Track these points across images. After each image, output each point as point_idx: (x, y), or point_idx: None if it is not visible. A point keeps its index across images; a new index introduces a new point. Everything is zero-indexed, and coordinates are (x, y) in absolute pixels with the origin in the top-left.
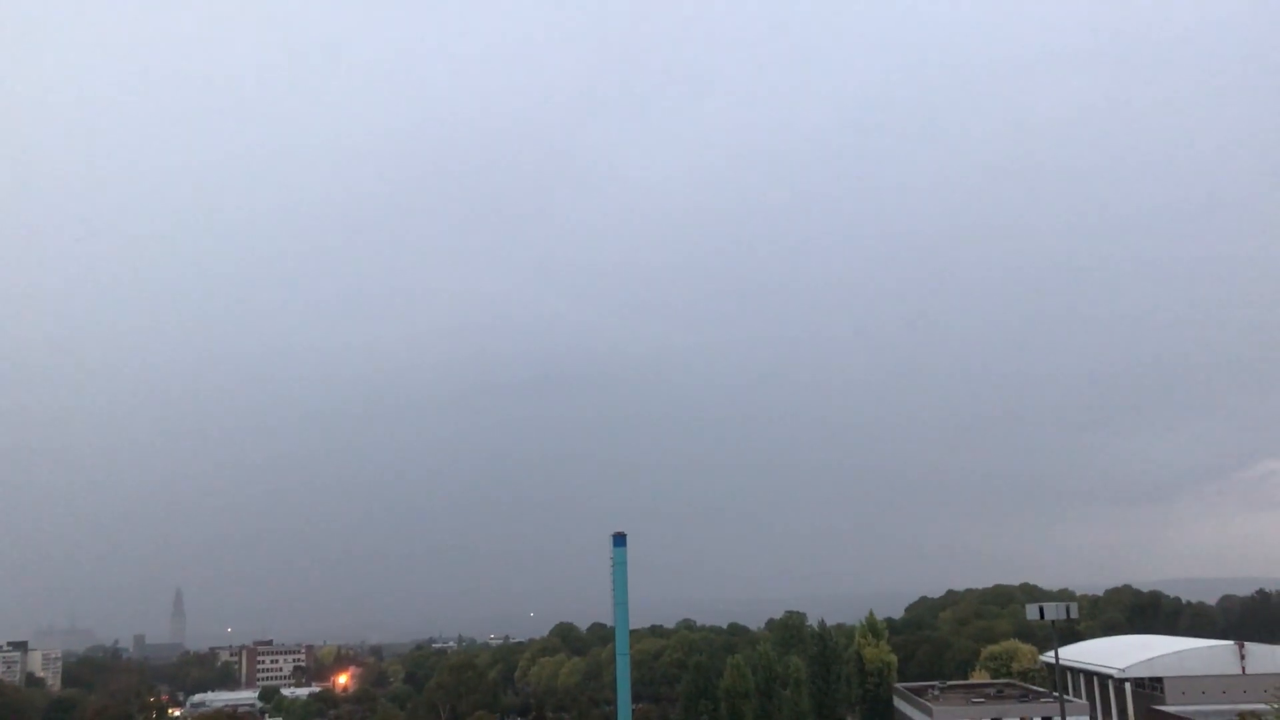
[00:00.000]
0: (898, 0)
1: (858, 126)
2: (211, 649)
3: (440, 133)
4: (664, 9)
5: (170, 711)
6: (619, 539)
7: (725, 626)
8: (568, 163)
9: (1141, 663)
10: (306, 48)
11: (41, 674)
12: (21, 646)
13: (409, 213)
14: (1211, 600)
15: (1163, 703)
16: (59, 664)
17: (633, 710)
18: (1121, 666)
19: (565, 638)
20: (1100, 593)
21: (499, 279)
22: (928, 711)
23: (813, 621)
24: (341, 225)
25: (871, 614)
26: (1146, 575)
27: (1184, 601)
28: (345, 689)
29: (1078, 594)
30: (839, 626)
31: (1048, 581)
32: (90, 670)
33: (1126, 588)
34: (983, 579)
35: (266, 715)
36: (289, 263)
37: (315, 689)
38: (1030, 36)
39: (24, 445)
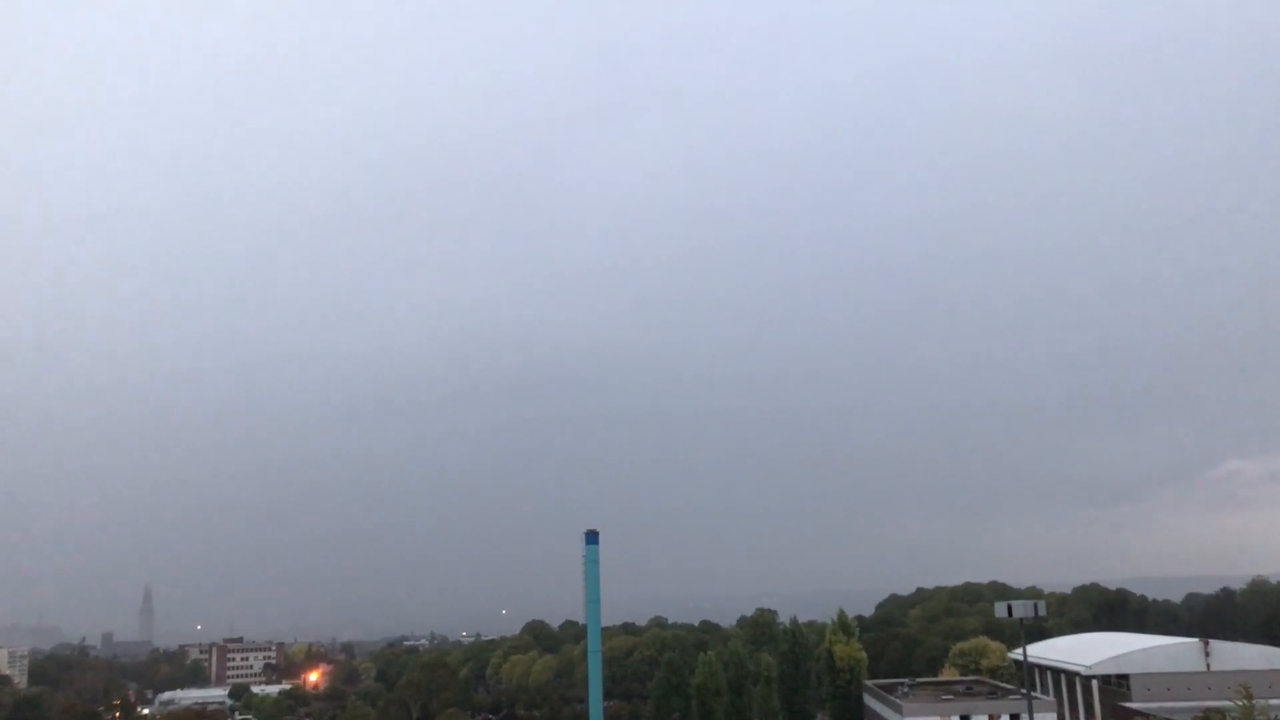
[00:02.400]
0: (865, 12)
1: (834, 124)
2: (181, 646)
3: (430, 142)
4: (643, 20)
5: (138, 709)
6: (591, 536)
7: (697, 624)
8: (551, 168)
9: (1108, 660)
10: (299, 59)
11: (7, 671)
12: None
13: (397, 220)
14: (1177, 598)
15: (1129, 699)
16: (25, 661)
17: (604, 707)
18: (1089, 664)
19: (537, 635)
20: (1068, 591)
21: (483, 284)
22: (897, 709)
23: (783, 619)
24: (329, 232)
25: (842, 611)
26: (1113, 573)
27: (1150, 599)
28: (316, 686)
29: (1045, 592)
30: (810, 624)
31: (1016, 579)
32: (57, 668)
33: (1094, 586)
34: (952, 577)
35: (236, 713)
36: (275, 268)
37: (286, 686)
38: (1007, 32)
39: None
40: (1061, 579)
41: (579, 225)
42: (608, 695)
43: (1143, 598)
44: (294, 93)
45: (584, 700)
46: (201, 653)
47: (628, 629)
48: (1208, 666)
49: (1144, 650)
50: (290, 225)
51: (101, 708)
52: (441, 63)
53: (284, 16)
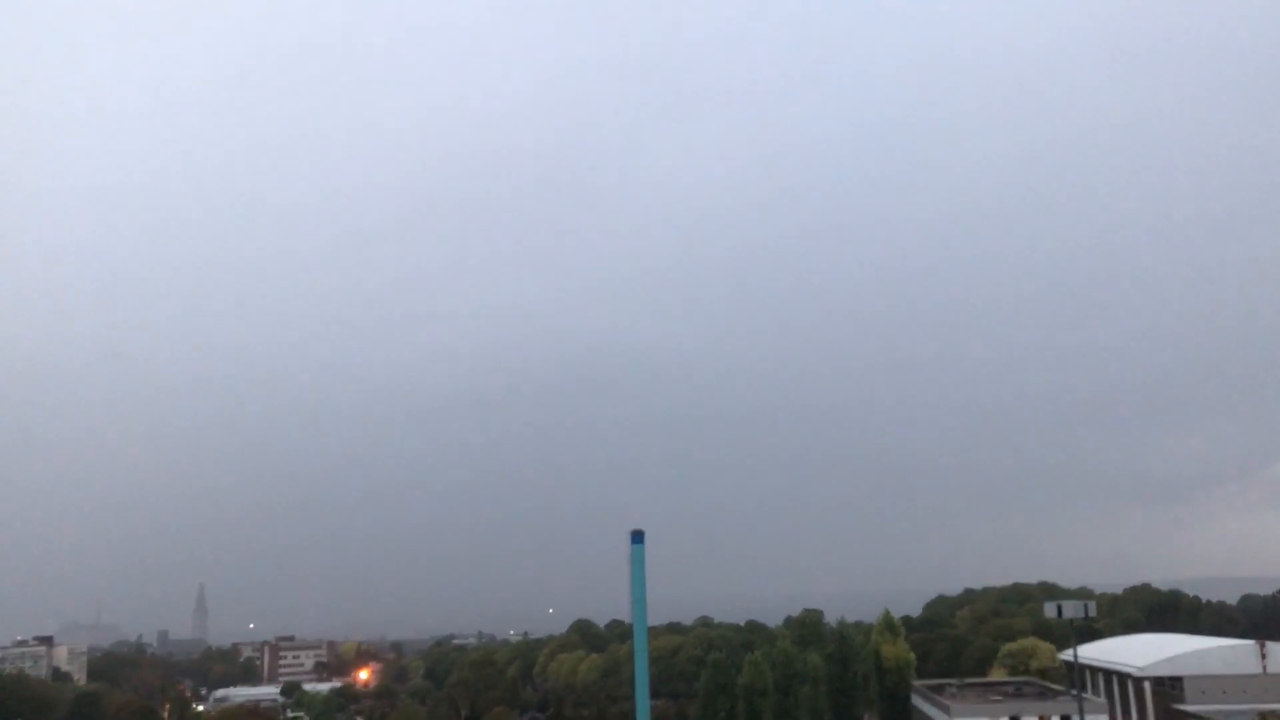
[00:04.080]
0: (913, 10)
1: (884, 120)
2: (234, 645)
3: (473, 146)
4: (692, 21)
5: (193, 706)
6: (637, 536)
7: (743, 624)
8: (595, 170)
9: (1161, 661)
10: (353, 66)
11: (67, 668)
12: (48, 641)
13: (444, 224)
14: (1232, 599)
15: (1182, 702)
16: (84, 659)
17: (651, 707)
18: (1141, 665)
19: (584, 634)
20: (1119, 591)
21: (529, 287)
22: (946, 709)
23: (830, 619)
24: (371, 237)
25: (888, 611)
26: (1166, 574)
27: (1204, 600)
28: (366, 684)
29: (1096, 592)
30: (856, 624)
31: (1066, 580)
32: (115, 665)
33: (1146, 586)
34: (1001, 577)
35: (288, 710)
36: (326, 275)
37: (336, 684)
38: (1043, 36)
39: (53, 444)
40: (1113, 579)
41: (624, 227)
42: (654, 695)
43: (1196, 599)
44: (332, 99)
45: (631, 699)
46: (254, 651)
47: (674, 628)
48: (1264, 669)
49: (1198, 652)
50: (332, 231)
51: (157, 704)
52: (484, 66)
53: (331, 18)
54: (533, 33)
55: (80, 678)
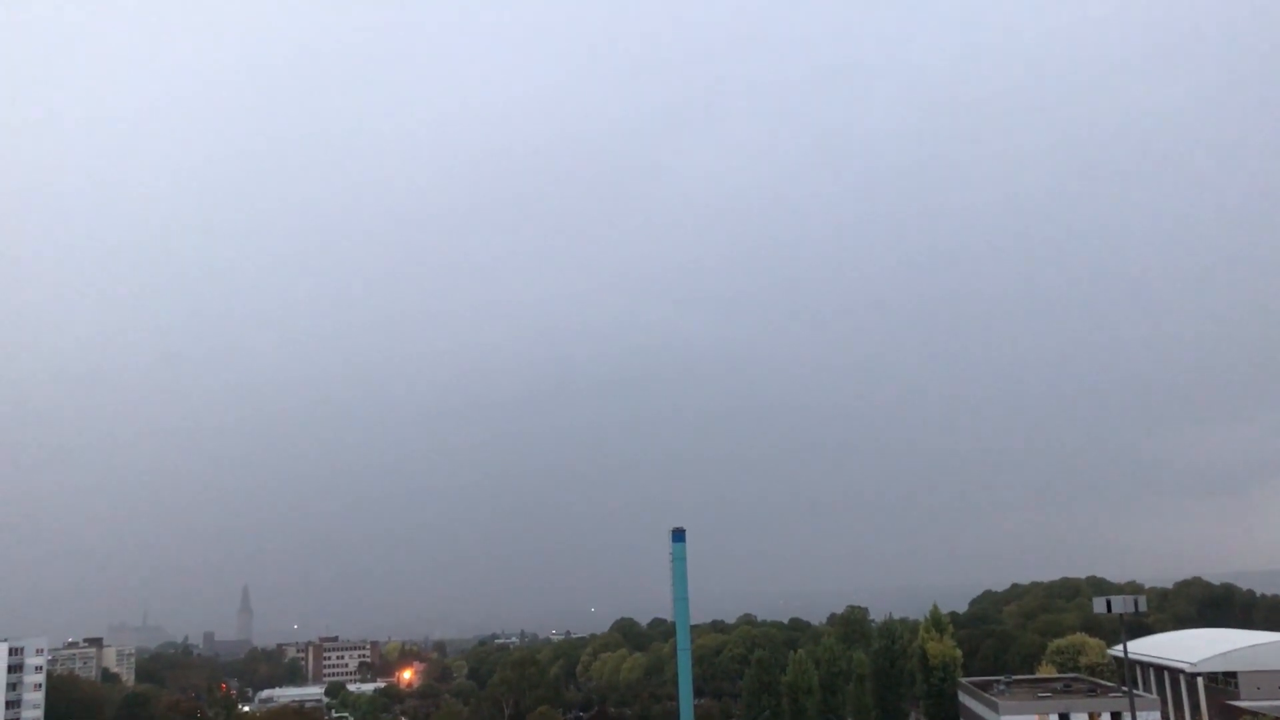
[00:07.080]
0: (946, 6)
1: (922, 116)
2: (279, 645)
3: (514, 142)
4: (726, 16)
5: (239, 707)
6: (678, 534)
7: (787, 621)
8: (639, 168)
9: (1214, 657)
10: (382, 60)
11: (116, 669)
12: (97, 643)
13: (490, 225)
14: None
15: (1237, 698)
16: (132, 660)
17: (694, 705)
18: (1193, 661)
19: (626, 633)
20: (1170, 585)
21: (567, 283)
22: (993, 706)
23: (875, 616)
24: (416, 233)
25: (935, 608)
26: (1218, 567)
27: (1258, 594)
28: (410, 684)
29: (1147, 587)
30: (902, 620)
31: (1116, 574)
32: (162, 666)
33: (1198, 580)
34: (1048, 572)
35: (333, 711)
36: (362, 271)
37: (380, 684)
38: (1083, 25)
39: (100, 449)
40: (1164, 573)
41: (663, 223)
42: (698, 693)
43: (1250, 592)
44: (377, 93)
45: (674, 698)
46: (298, 651)
47: (717, 626)
48: None
49: (1252, 647)
50: (384, 227)
51: (205, 704)
52: (524, 63)
53: (368, 17)
54: (561, 25)
55: (128, 679)
